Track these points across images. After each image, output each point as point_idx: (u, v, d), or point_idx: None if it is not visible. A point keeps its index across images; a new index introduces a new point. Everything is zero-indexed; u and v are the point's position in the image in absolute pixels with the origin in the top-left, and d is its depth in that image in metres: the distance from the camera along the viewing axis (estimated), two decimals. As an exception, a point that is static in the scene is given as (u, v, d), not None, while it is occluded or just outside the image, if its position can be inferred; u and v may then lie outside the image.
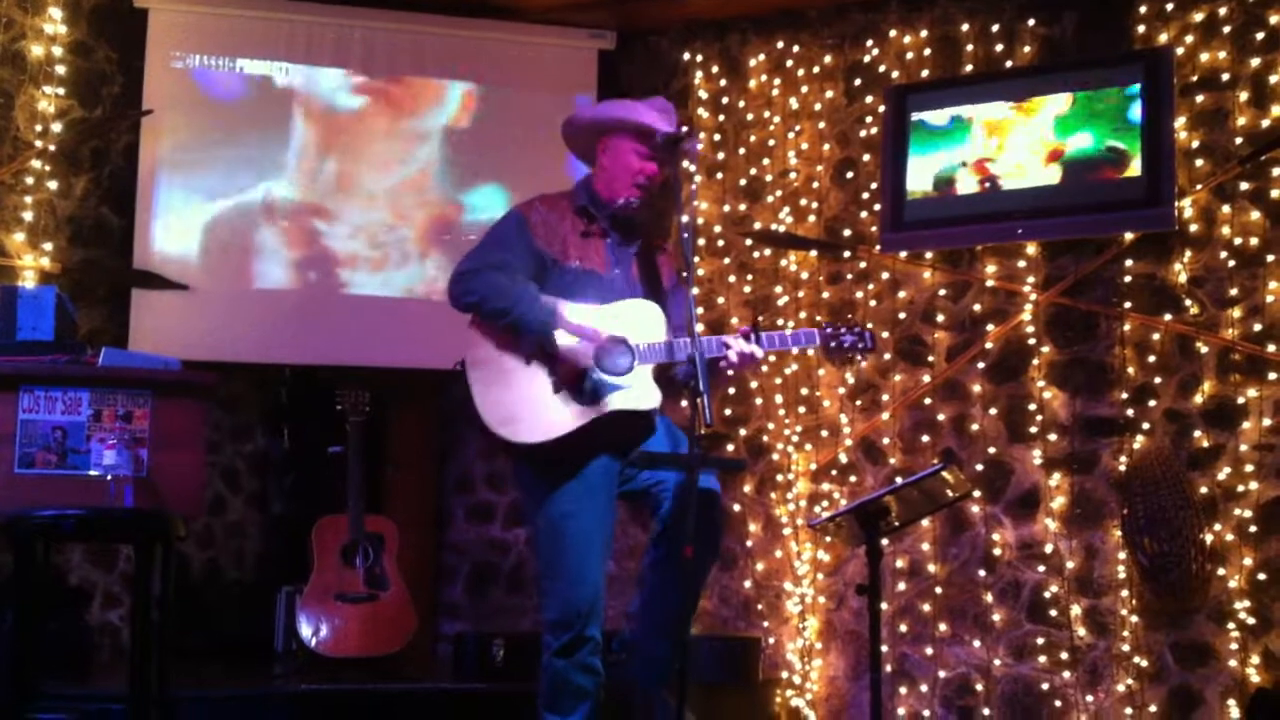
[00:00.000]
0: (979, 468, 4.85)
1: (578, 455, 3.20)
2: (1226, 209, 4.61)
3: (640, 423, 3.23)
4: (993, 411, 4.89)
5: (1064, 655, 4.65)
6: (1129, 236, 4.72)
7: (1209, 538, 4.44)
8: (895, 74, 5.21)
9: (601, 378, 3.18)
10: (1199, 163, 4.66)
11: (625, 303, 3.27)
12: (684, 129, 3.79)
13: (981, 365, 4.93)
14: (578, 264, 3.29)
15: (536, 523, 3.29)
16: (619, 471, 3.29)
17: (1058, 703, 4.64)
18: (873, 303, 5.15)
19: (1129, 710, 4.53)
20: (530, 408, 3.18)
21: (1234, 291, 4.56)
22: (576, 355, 3.17)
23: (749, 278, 5.37)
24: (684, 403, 3.16)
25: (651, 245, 3.47)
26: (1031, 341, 4.85)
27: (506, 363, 3.22)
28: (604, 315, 3.24)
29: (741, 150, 5.46)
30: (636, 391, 3.19)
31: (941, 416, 4.97)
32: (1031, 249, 4.90)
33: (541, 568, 3.26)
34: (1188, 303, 4.63)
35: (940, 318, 5.03)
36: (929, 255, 5.06)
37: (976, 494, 4.79)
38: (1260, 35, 4.60)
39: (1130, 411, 4.66)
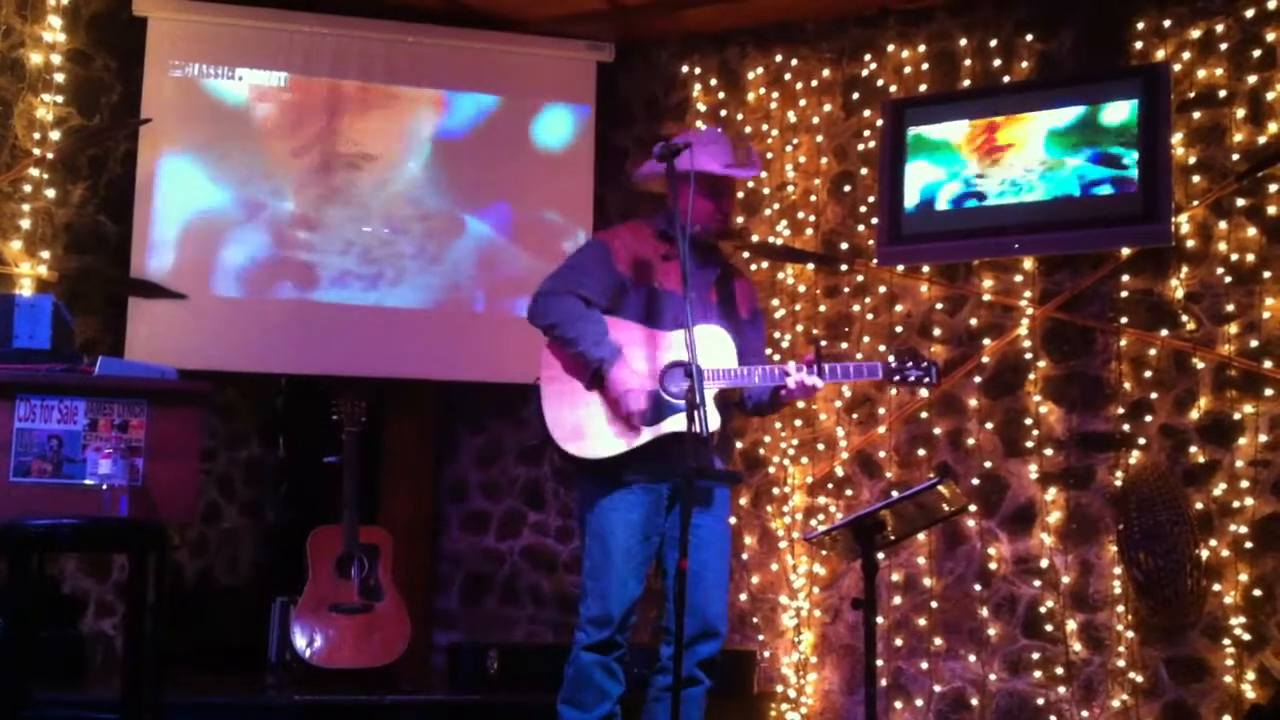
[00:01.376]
0: (975, 482, 4.86)
1: (631, 473, 3.37)
2: (1223, 225, 4.62)
3: (696, 445, 3.26)
4: (989, 426, 4.89)
5: (1059, 670, 4.65)
6: (1126, 252, 4.73)
7: (1204, 553, 4.44)
8: (893, 88, 5.23)
9: (664, 399, 3.34)
10: (1196, 179, 4.67)
11: (698, 328, 3.31)
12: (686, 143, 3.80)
13: (978, 380, 4.93)
14: (658, 285, 3.46)
15: (589, 528, 3.46)
16: (668, 497, 3.42)
17: (1053, 718, 4.64)
18: (869, 316, 5.15)
19: (1124, 726, 4.53)
20: (594, 426, 3.37)
21: (1230, 307, 4.57)
22: (631, 395, 3.32)
23: (746, 290, 5.37)
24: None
25: (731, 273, 3.61)
26: (1028, 356, 4.85)
27: (575, 383, 3.41)
28: (670, 340, 3.39)
29: (739, 163, 5.46)
30: (699, 416, 3.24)
31: (938, 431, 4.97)
32: (1028, 264, 4.91)
33: (587, 568, 3.43)
34: (1184, 318, 4.64)
35: (937, 331, 5.03)
36: (926, 269, 5.07)
37: (972, 508, 4.79)
38: (1257, 52, 4.62)
39: (1126, 427, 4.67)
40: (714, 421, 3.31)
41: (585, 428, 3.37)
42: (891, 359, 3.41)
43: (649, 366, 3.37)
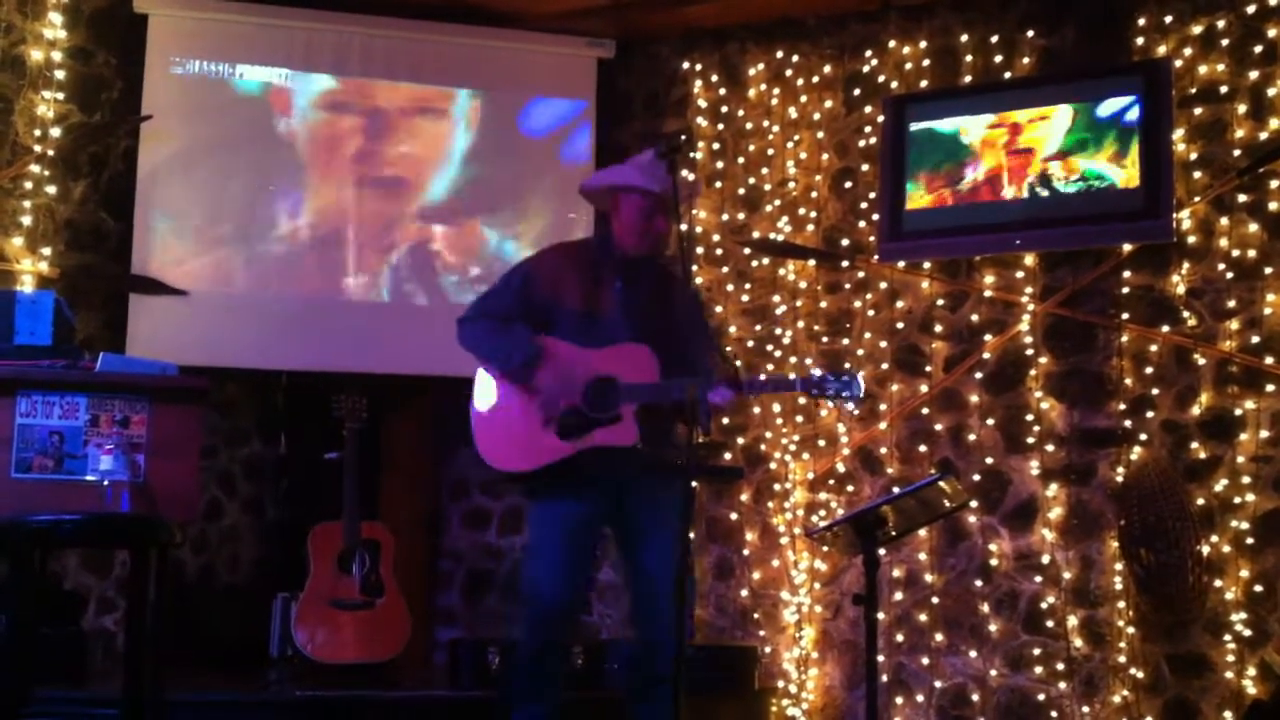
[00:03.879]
0: (976, 478, 4.85)
1: (560, 486, 3.44)
2: (1224, 221, 4.62)
3: (620, 457, 3.38)
4: (990, 422, 4.89)
5: (1060, 666, 4.65)
6: (1127, 248, 4.73)
7: (1206, 549, 4.44)
8: (894, 84, 5.22)
9: (586, 415, 3.38)
10: (1197, 174, 4.67)
11: (620, 346, 3.44)
12: (683, 137, 3.83)
13: (979, 375, 4.93)
14: (580, 308, 3.50)
15: (529, 538, 3.60)
16: (605, 505, 3.46)
17: (1054, 713, 4.64)
18: (870, 312, 5.15)
19: (1125, 721, 4.53)
20: (519, 440, 3.45)
21: (1232, 303, 4.56)
22: (557, 393, 3.40)
23: (747, 287, 5.38)
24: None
25: (668, 284, 3.60)
26: (1029, 352, 4.85)
27: (504, 399, 3.49)
28: (596, 357, 3.43)
29: (740, 159, 5.46)
30: (619, 429, 3.37)
31: (939, 426, 4.97)
32: (1029, 260, 4.90)
33: (525, 577, 3.58)
34: (1185, 314, 4.63)
35: (938, 328, 5.03)
36: (927, 265, 5.07)
37: (974, 504, 4.79)
38: (1258, 48, 4.61)
39: (1128, 423, 4.67)
40: (630, 434, 3.35)
41: (512, 442, 3.45)
42: (814, 372, 3.44)
43: (576, 382, 3.41)
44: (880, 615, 4.31)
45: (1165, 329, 4.65)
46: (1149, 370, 4.67)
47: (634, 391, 3.37)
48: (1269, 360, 4.47)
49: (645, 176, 3.49)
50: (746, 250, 5.37)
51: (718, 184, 5.49)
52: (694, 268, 5.37)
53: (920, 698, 4.85)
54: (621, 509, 3.46)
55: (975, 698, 4.77)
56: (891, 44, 5.24)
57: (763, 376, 3.45)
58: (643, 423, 3.37)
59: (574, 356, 3.44)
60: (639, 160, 3.55)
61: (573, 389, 3.40)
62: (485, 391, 3.54)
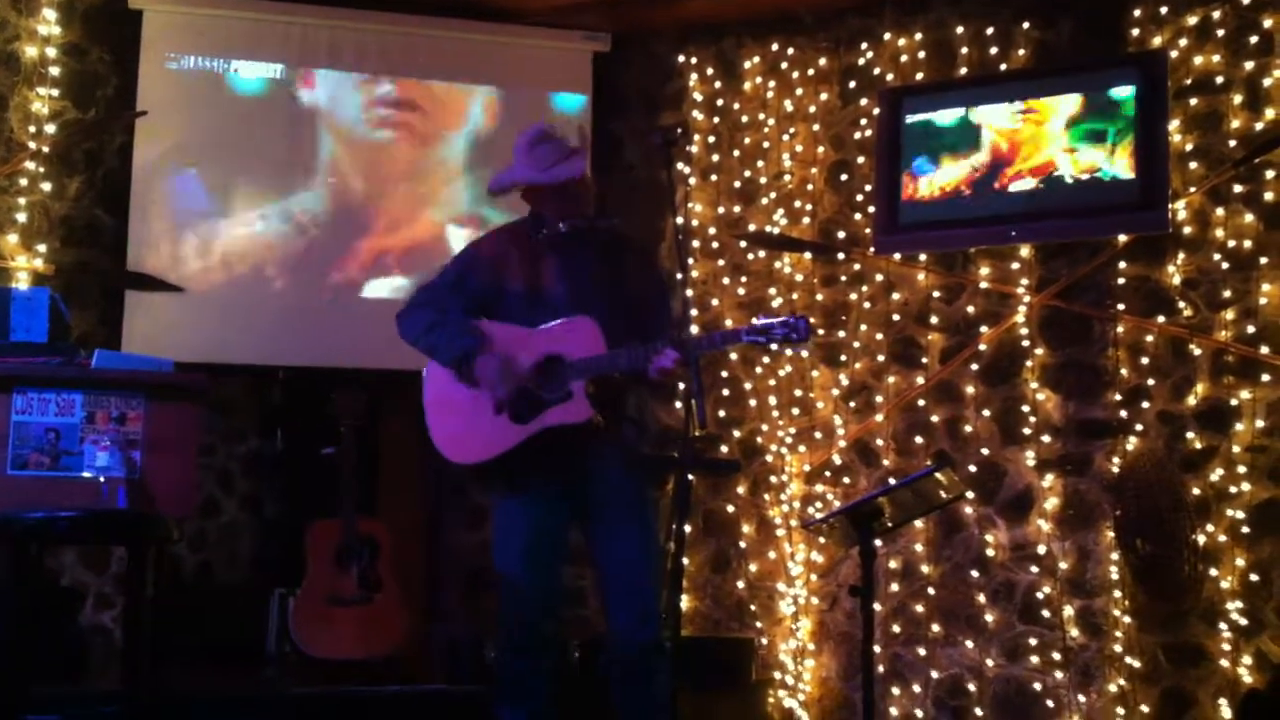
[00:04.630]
0: (972, 469, 4.86)
1: (518, 473, 3.37)
2: (1220, 212, 4.62)
3: (575, 436, 3.31)
4: (986, 413, 4.90)
5: (1056, 656, 4.66)
6: (1123, 239, 4.73)
7: (1201, 539, 4.45)
8: (890, 77, 5.22)
9: (537, 396, 3.31)
10: (1193, 165, 4.67)
11: (562, 321, 3.36)
12: (678, 130, 3.82)
13: (975, 367, 4.93)
14: (521, 287, 3.43)
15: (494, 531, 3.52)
16: (566, 490, 3.38)
17: (1050, 703, 4.65)
18: (866, 305, 5.15)
19: (1121, 711, 4.53)
20: (472, 431, 3.37)
21: (1227, 294, 4.57)
22: (497, 380, 3.32)
23: (743, 280, 5.38)
24: (678, 404, 3.19)
25: (618, 250, 3.52)
26: (1025, 344, 4.86)
27: (454, 390, 3.41)
28: (540, 336, 3.35)
29: (736, 152, 5.46)
30: (571, 406, 3.29)
31: (935, 418, 4.98)
32: (1025, 251, 4.91)
33: (495, 574, 3.46)
34: (1181, 305, 4.64)
35: (934, 320, 5.03)
36: (923, 258, 5.07)
37: (970, 495, 4.80)
38: (1254, 39, 4.61)
39: (1123, 413, 4.67)
40: (582, 411, 3.26)
41: (465, 433, 3.38)
42: (756, 320, 3.25)
43: (526, 362, 3.34)
44: (877, 606, 4.32)
45: (1161, 320, 4.66)
46: (1145, 361, 4.67)
47: (582, 366, 3.28)
48: (1265, 350, 4.48)
49: (534, 169, 3.42)
50: (742, 243, 5.37)
51: (713, 177, 5.49)
52: (690, 260, 5.37)
53: (917, 688, 4.86)
54: (585, 496, 3.37)
55: (972, 688, 4.78)
56: (887, 37, 5.24)
57: (704, 334, 3.30)
58: (595, 398, 3.28)
59: (517, 338, 3.36)
60: (519, 148, 3.48)
61: (519, 371, 3.32)
62: (434, 384, 3.47)
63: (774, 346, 3.28)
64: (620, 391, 3.39)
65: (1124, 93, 4.72)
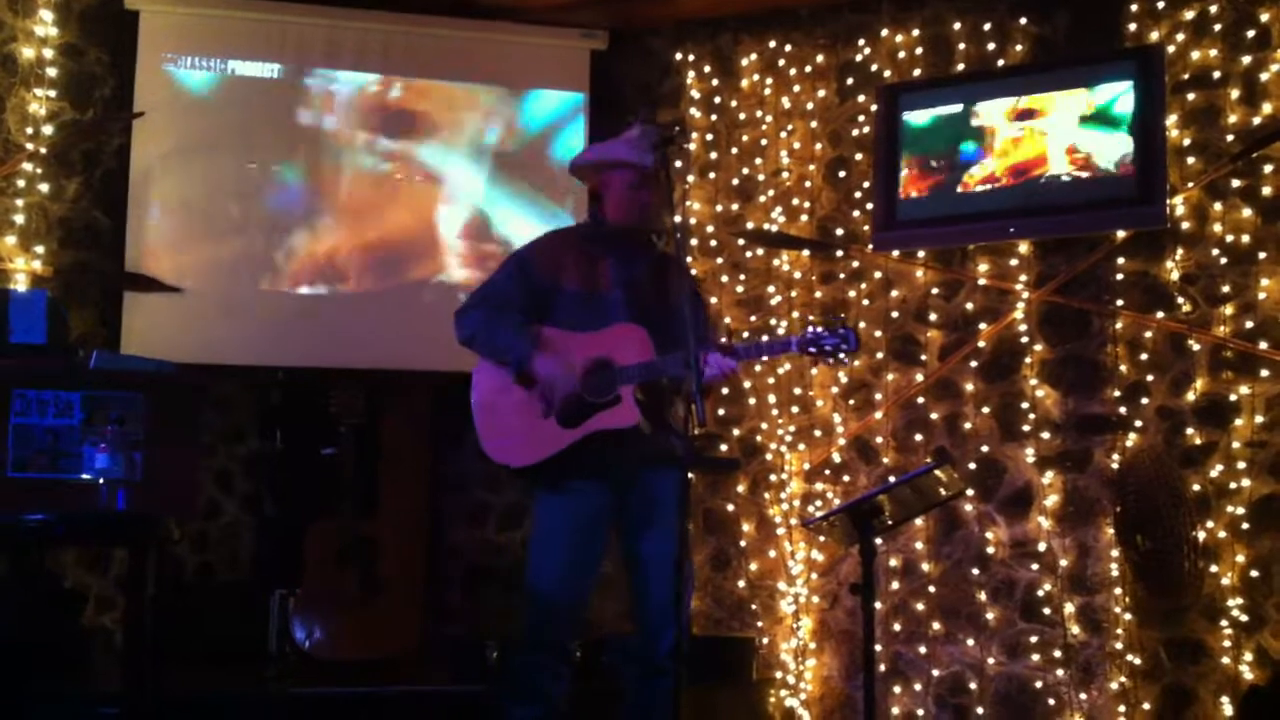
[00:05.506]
0: (972, 466, 4.86)
1: (564, 477, 3.40)
2: (1218, 206, 4.62)
3: (623, 441, 3.35)
4: (985, 410, 4.90)
5: (1057, 653, 4.66)
6: (1121, 234, 4.73)
7: (1201, 535, 4.45)
8: (887, 73, 5.22)
9: (585, 400, 3.35)
10: (1190, 160, 4.67)
11: (612, 328, 3.41)
12: (676, 128, 3.82)
13: (974, 364, 4.93)
14: (577, 289, 3.48)
15: (533, 531, 3.53)
16: (612, 496, 3.43)
17: (1051, 701, 4.65)
18: (865, 302, 5.15)
19: (1122, 708, 4.53)
20: (520, 433, 3.41)
21: (1226, 289, 4.57)
22: (556, 381, 3.37)
23: (742, 277, 5.38)
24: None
25: (663, 261, 3.60)
26: (1024, 340, 4.85)
27: (504, 393, 3.45)
28: (589, 341, 3.40)
29: (734, 150, 5.46)
30: (619, 411, 3.33)
31: (934, 415, 4.98)
32: (1023, 247, 4.90)
33: (528, 572, 3.47)
34: (1180, 300, 4.64)
35: (933, 316, 5.03)
36: (921, 254, 5.07)
37: (969, 492, 4.80)
38: (1251, 33, 4.61)
39: (1123, 409, 4.67)
40: (630, 415, 3.30)
41: (514, 435, 3.41)
42: (808, 330, 3.31)
43: (574, 369, 3.38)
44: (877, 604, 4.30)
45: (1160, 315, 4.66)
46: (1144, 357, 4.67)
47: (630, 372, 3.33)
48: (1263, 345, 4.48)
49: (632, 151, 3.49)
50: (740, 241, 5.36)
51: (711, 175, 5.48)
52: (688, 259, 5.37)
53: (918, 686, 4.86)
54: (627, 499, 3.43)
55: (973, 686, 4.78)
56: (884, 33, 5.24)
57: (755, 342, 3.33)
58: (643, 403, 3.33)
59: (569, 343, 3.41)
60: (628, 136, 3.55)
61: (570, 376, 3.37)
62: (486, 385, 3.51)
63: (829, 361, 3.31)
64: (667, 400, 3.42)
65: (1121, 87, 4.71)
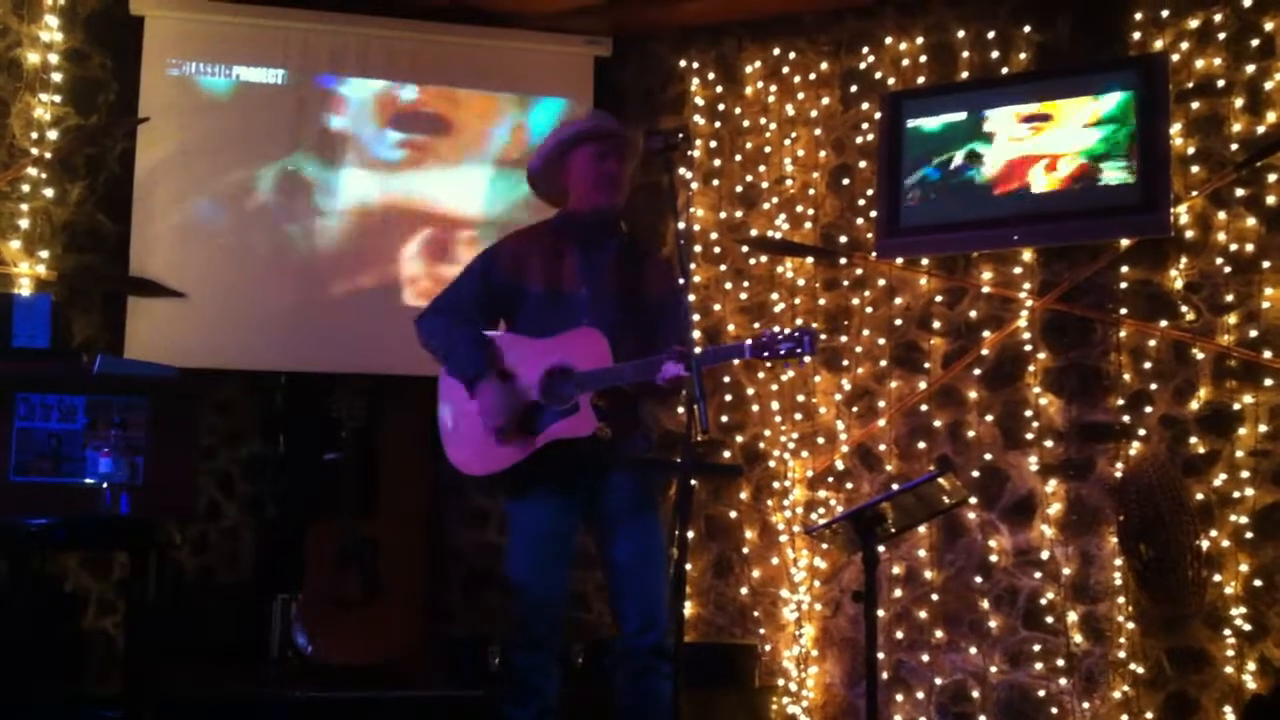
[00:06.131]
0: (975, 474, 4.85)
1: (527, 482, 3.40)
2: (1222, 215, 4.62)
3: (579, 449, 3.32)
4: (989, 418, 4.89)
5: (1060, 662, 4.65)
6: (1124, 242, 4.73)
7: (1205, 544, 4.44)
8: (891, 80, 5.22)
9: (545, 408, 3.34)
10: (1194, 169, 4.66)
11: (572, 332, 3.37)
12: (679, 135, 3.81)
13: (977, 371, 4.93)
14: (541, 289, 3.45)
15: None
16: (576, 501, 3.42)
17: (1054, 709, 4.64)
18: (868, 309, 5.15)
19: (1125, 717, 4.52)
20: (481, 442, 3.39)
21: (1230, 297, 4.56)
22: (497, 410, 3.33)
23: (745, 284, 5.38)
24: (680, 409, 3.18)
25: (638, 253, 3.56)
26: (1027, 348, 4.85)
27: (466, 400, 3.42)
28: (549, 347, 3.37)
29: (737, 157, 5.46)
30: (576, 420, 3.31)
31: (938, 423, 4.97)
32: (1027, 255, 4.90)
33: (506, 574, 3.50)
34: (1183, 309, 4.63)
35: (936, 324, 5.03)
36: (925, 261, 5.07)
37: (972, 500, 4.79)
38: (1255, 42, 4.61)
39: (1126, 418, 4.67)
40: (587, 424, 3.27)
41: (475, 443, 3.40)
42: (763, 334, 3.18)
43: (535, 375, 3.37)
44: (880, 612, 4.31)
45: (1163, 324, 4.65)
46: (1147, 365, 4.67)
47: (587, 379, 3.30)
48: (1267, 354, 4.47)
49: (583, 121, 3.49)
50: (744, 248, 5.36)
51: (715, 182, 5.49)
52: (691, 266, 5.37)
53: (920, 695, 4.85)
54: (594, 504, 3.41)
55: (975, 694, 4.77)
56: (888, 40, 5.24)
57: (709, 348, 3.25)
58: (602, 408, 3.30)
59: (529, 349, 3.39)
60: (571, 122, 3.57)
61: (524, 386, 3.35)
62: (447, 392, 3.49)
63: (783, 362, 3.25)
64: (631, 402, 3.39)
65: (1125, 96, 4.71)
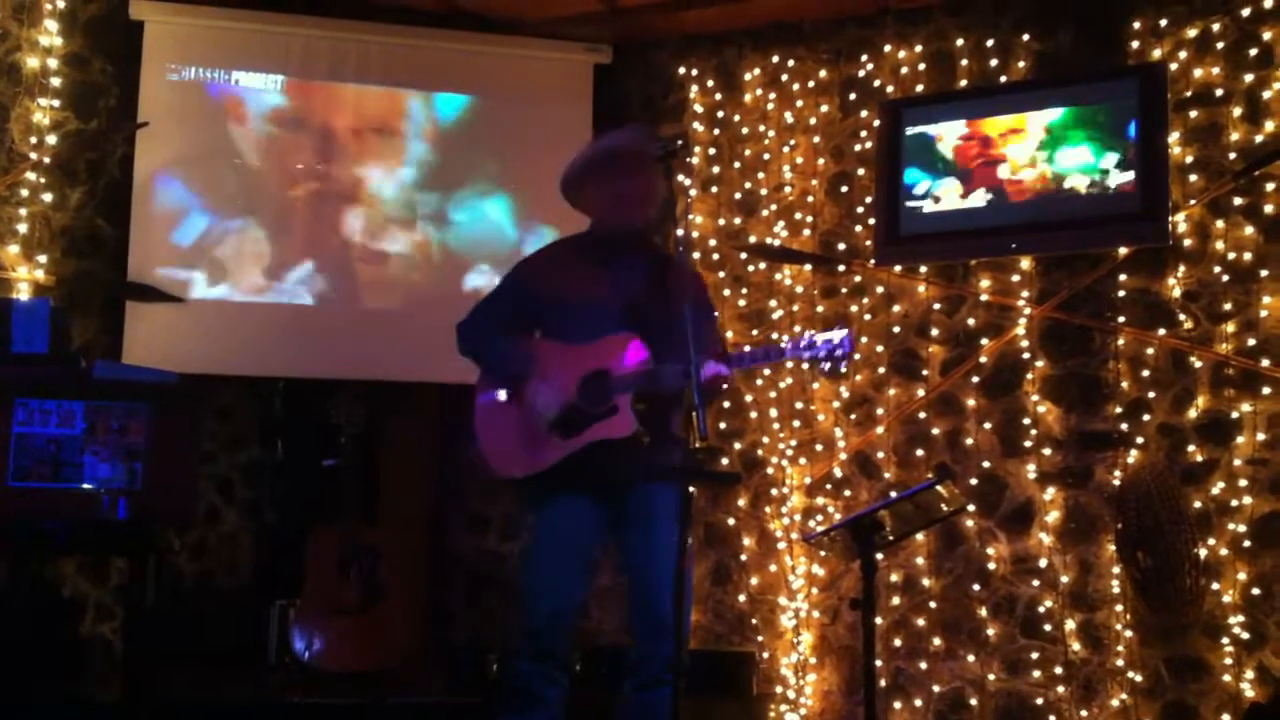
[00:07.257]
0: (973, 482, 4.86)
1: (560, 488, 3.40)
2: (1220, 224, 4.62)
3: (619, 451, 3.33)
4: (987, 426, 4.89)
5: (1058, 670, 4.65)
6: (1123, 251, 4.73)
7: (1203, 552, 4.44)
8: (890, 88, 5.23)
9: (583, 410, 3.35)
10: (1193, 178, 4.67)
11: (607, 337, 3.40)
12: (679, 141, 3.83)
13: (976, 379, 4.93)
14: (574, 300, 3.48)
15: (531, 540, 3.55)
16: (607, 508, 3.42)
17: (1052, 717, 4.64)
18: (867, 316, 5.16)
19: (1123, 725, 4.53)
20: (520, 445, 3.42)
21: (1228, 306, 4.57)
22: (546, 396, 3.36)
23: (744, 291, 5.38)
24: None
25: (664, 266, 3.57)
26: (1026, 356, 4.86)
27: (504, 404, 3.47)
28: (585, 352, 3.39)
29: (737, 164, 5.47)
30: (616, 421, 3.32)
31: (936, 431, 4.98)
32: (1026, 263, 4.91)
33: (522, 579, 3.50)
34: (1182, 317, 4.64)
35: (935, 332, 5.03)
36: (924, 269, 5.07)
37: (971, 508, 4.79)
38: (1254, 51, 4.62)
39: (1124, 426, 4.67)
40: (626, 425, 3.29)
41: (514, 447, 3.43)
42: (801, 337, 3.22)
43: (573, 379, 3.38)
44: (878, 620, 4.31)
45: (1161, 332, 4.66)
46: (1145, 373, 4.67)
47: (624, 380, 3.32)
48: (1265, 363, 4.48)
49: (604, 140, 3.52)
50: (743, 255, 5.37)
51: (714, 189, 5.49)
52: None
53: (919, 702, 4.85)
54: (623, 509, 3.42)
55: (973, 702, 4.77)
56: (887, 48, 5.25)
57: (748, 348, 3.28)
58: (641, 413, 3.32)
59: (565, 355, 3.41)
60: (596, 140, 3.61)
61: (566, 389, 3.37)
62: (485, 397, 3.52)
63: (824, 367, 3.24)
64: (667, 409, 3.40)
65: (1124, 104, 4.72)
